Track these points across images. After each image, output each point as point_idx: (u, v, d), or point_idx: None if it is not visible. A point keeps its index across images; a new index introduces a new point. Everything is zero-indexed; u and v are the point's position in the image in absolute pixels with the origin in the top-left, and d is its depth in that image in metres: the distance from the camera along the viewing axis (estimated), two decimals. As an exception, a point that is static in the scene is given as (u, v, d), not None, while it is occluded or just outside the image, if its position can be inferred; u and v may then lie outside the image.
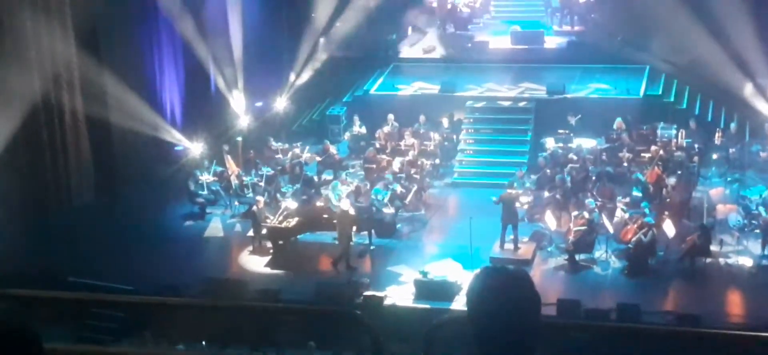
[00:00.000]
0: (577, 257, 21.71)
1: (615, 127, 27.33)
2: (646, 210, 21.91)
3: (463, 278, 20.52)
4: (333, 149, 28.23)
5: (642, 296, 19.89)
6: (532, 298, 3.90)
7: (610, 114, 27.74)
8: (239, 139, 28.30)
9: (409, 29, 34.41)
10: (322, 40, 32.54)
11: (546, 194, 24.25)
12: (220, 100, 30.16)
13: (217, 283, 20.52)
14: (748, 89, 27.70)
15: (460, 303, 19.73)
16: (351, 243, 22.52)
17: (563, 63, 31.42)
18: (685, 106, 29.07)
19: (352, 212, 22.38)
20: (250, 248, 23.42)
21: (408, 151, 27.30)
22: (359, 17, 32.71)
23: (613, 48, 30.46)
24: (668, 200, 24.05)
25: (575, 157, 25.94)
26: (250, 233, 23.67)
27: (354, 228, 22.64)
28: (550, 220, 22.70)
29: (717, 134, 27.04)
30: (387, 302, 20.10)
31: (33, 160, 23.90)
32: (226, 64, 30.04)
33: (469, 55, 32.40)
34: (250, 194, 25.47)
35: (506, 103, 29.82)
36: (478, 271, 4.01)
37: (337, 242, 22.59)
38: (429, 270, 20.89)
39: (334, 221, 22.83)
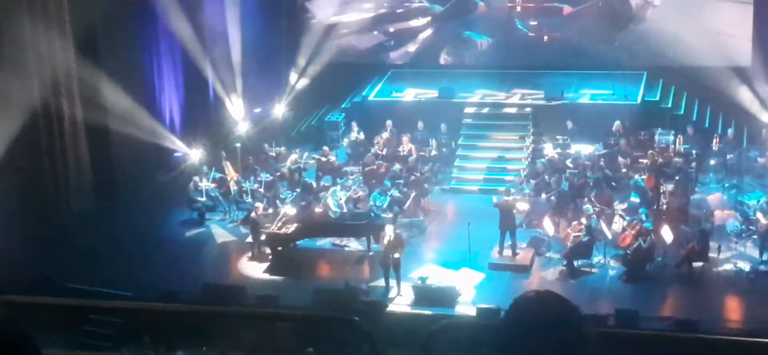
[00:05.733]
0: (575, 263, 21.75)
1: (614, 129, 27.40)
2: (644, 216, 21.96)
3: (456, 283, 20.64)
4: (331, 156, 28.28)
5: (640, 302, 19.92)
6: (581, 333, 3.88)
7: (608, 120, 27.82)
8: (238, 145, 28.35)
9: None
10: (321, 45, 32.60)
11: (543, 195, 24.35)
12: (219, 106, 30.23)
13: (216, 289, 20.55)
14: (746, 95, 27.80)
15: (458, 309, 19.81)
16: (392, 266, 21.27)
17: (560, 69, 31.46)
18: (682, 111, 29.13)
19: (390, 239, 21.18)
20: (249, 254, 23.46)
21: (406, 157, 27.35)
22: (358, 23, 32.82)
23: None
24: (666, 205, 24.12)
25: (572, 164, 26.01)
26: (249, 239, 23.71)
27: (397, 254, 21.17)
28: (548, 226, 22.75)
29: (714, 140, 27.12)
30: (384, 307, 20.14)
31: (32, 167, 23.92)
32: (225, 71, 30.11)
33: (466, 60, 32.47)
34: (249, 200, 25.51)
35: (511, 111, 29.84)
36: (527, 298, 3.88)
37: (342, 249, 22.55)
38: (426, 277, 20.97)
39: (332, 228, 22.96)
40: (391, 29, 33.94)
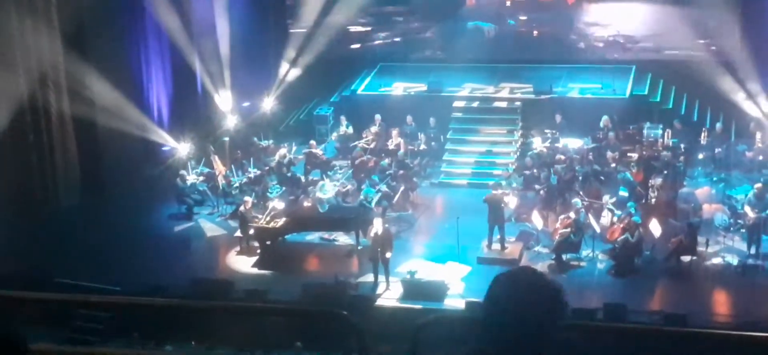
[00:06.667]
0: (563, 257, 21.77)
1: (601, 125, 27.43)
2: (633, 210, 21.98)
3: (445, 278, 20.64)
4: (317, 149, 28.24)
5: (629, 296, 19.93)
6: (557, 304, 3.90)
7: (597, 114, 27.84)
8: (226, 139, 28.29)
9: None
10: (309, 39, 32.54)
11: (535, 187, 24.38)
12: (207, 100, 30.17)
13: (205, 283, 20.51)
14: (734, 89, 27.85)
15: (447, 303, 19.81)
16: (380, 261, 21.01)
17: (549, 63, 31.50)
18: (671, 105, 29.21)
19: (380, 231, 21.04)
20: (238, 248, 23.41)
21: (395, 151, 27.33)
22: (347, 16, 32.78)
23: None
24: (654, 199, 24.16)
25: (562, 157, 26.03)
26: (238, 233, 23.67)
27: (388, 253, 20.98)
28: (536, 219, 22.77)
29: (703, 134, 27.20)
30: (374, 302, 20.12)
31: (19, 162, 23.85)
32: (213, 64, 30.06)
33: (455, 54, 32.45)
34: (238, 194, 25.48)
35: (502, 105, 29.87)
36: (503, 275, 3.96)
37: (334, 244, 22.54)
38: (414, 271, 20.96)
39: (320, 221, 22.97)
40: (381, 22, 33.95)
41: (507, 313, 3.83)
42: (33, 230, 22.99)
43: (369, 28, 33.97)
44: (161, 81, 28.62)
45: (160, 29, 28.06)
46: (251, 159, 27.49)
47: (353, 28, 33.58)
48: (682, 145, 26.73)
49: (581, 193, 23.75)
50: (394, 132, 28.21)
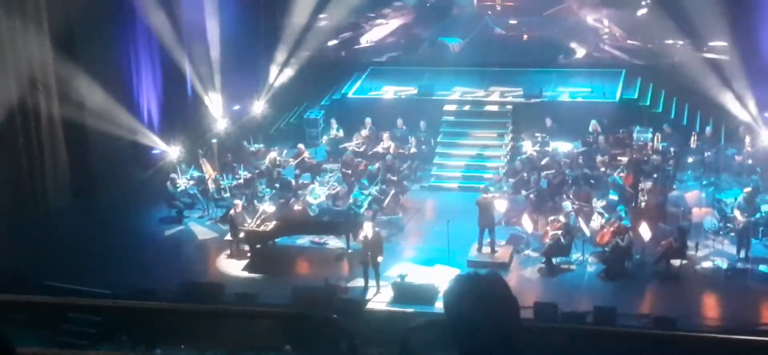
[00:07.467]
0: (553, 260, 21.78)
1: (590, 129, 27.47)
2: (623, 213, 22.00)
3: (435, 281, 20.64)
4: (306, 153, 28.19)
5: (618, 299, 19.96)
6: (508, 300, 3.95)
7: (587, 117, 27.90)
8: (214, 141, 28.23)
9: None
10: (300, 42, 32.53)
11: (523, 192, 24.40)
12: (197, 103, 30.12)
13: (195, 287, 20.49)
14: (723, 93, 27.91)
15: (437, 307, 19.79)
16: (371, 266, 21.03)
17: (539, 67, 31.55)
18: (660, 109, 29.25)
19: (370, 235, 21.09)
20: (228, 251, 23.37)
21: (385, 154, 27.31)
22: (338, 20, 32.79)
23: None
24: (644, 203, 24.19)
25: (545, 161, 26.06)
26: (228, 236, 23.64)
27: (379, 257, 20.96)
28: (526, 223, 22.78)
29: (692, 138, 27.25)
30: (364, 305, 20.11)
31: (9, 165, 23.80)
32: (203, 68, 30.01)
33: (446, 57, 32.50)
34: (228, 198, 25.45)
35: (492, 108, 29.88)
36: (453, 277, 4.02)
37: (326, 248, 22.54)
38: (405, 274, 20.95)
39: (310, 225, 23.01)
40: (371, 26, 33.94)
41: (465, 323, 3.95)
42: (22, 233, 22.92)
43: (359, 32, 33.95)
44: (151, 84, 28.57)
45: (150, 32, 28.01)
46: (241, 163, 27.46)
47: (344, 32, 33.57)
48: (672, 149, 26.78)
49: (571, 196, 23.76)
50: (385, 135, 28.20)
